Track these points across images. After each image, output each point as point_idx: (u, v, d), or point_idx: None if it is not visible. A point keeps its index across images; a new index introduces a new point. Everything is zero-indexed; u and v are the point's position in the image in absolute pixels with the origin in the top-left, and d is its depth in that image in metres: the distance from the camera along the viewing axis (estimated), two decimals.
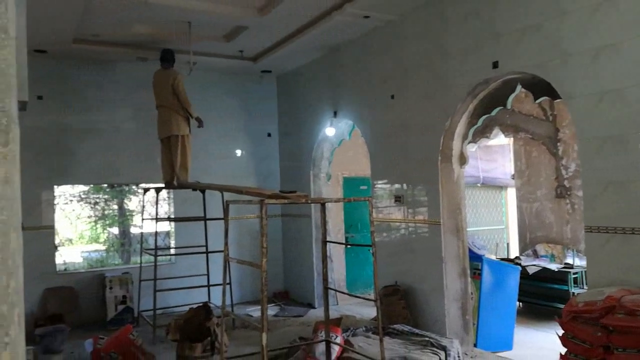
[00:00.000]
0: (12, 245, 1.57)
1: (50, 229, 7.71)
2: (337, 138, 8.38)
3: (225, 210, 4.01)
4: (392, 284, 6.58)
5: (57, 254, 8.01)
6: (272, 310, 8.32)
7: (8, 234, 1.56)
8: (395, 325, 5.79)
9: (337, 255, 9.10)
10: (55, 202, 8.06)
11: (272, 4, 6.17)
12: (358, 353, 4.51)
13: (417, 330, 5.71)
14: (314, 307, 8.47)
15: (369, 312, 7.84)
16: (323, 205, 4.13)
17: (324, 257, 4.39)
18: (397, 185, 6.73)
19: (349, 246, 9.17)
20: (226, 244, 4.15)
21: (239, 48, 7.79)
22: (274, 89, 9.64)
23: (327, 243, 4.43)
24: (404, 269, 6.58)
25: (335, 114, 7.86)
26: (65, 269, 8.47)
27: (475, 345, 6.05)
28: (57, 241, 8.20)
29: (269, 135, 9.58)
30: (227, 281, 4.21)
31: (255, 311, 8.16)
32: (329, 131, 8.07)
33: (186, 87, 7.10)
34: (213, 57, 7.99)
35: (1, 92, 1.57)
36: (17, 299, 1.60)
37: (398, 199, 6.68)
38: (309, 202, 3.99)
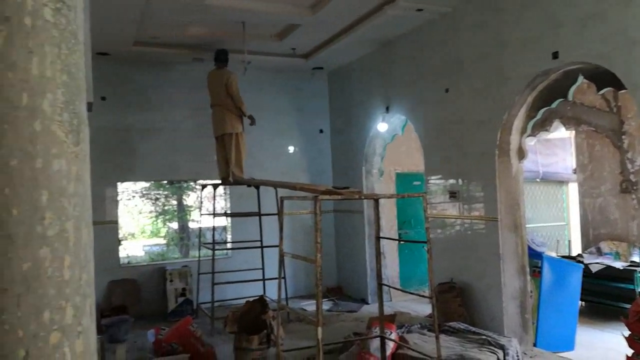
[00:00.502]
0: (84, 240, 1.67)
1: (114, 224, 8.08)
2: (390, 133, 8.32)
3: (280, 206, 4.08)
4: (448, 281, 6.48)
5: (120, 247, 8.40)
6: (325, 305, 8.38)
7: (80, 229, 1.66)
8: (451, 323, 5.71)
9: (391, 251, 9.05)
10: (119, 198, 8.44)
11: (325, 1, 6.19)
12: (413, 350, 4.48)
13: (473, 329, 5.61)
14: (367, 303, 8.47)
15: (423, 309, 7.76)
16: (376, 201, 4.12)
17: (378, 254, 4.38)
18: (452, 181, 6.62)
19: (402, 242, 9.09)
20: (281, 238, 4.22)
21: (291, 46, 7.87)
22: (326, 85, 9.68)
23: (381, 239, 4.41)
24: (459, 266, 6.47)
25: (387, 109, 7.81)
26: (128, 262, 8.87)
27: (534, 345, 5.87)
28: (120, 235, 8.59)
29: (321, 131, 9.64)
30: (282, 275, 4.28)
31: (308, 305, 8.24)
32: (381, 127, 8.02)
33: (240, 86, 7.25)
34: (266, 55, 8.11)
35: (72, 94, 1.67)
36: (89, 291, 1.70)
37: (453, 194, 6.56)
38: (363, 198, 4.00)
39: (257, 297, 5.86)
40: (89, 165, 1.72)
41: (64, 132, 1.59)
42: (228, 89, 7.10)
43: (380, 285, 4.38)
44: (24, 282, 1.48)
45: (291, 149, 9.41)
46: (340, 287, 9.37)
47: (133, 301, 7.70)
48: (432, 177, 7.02)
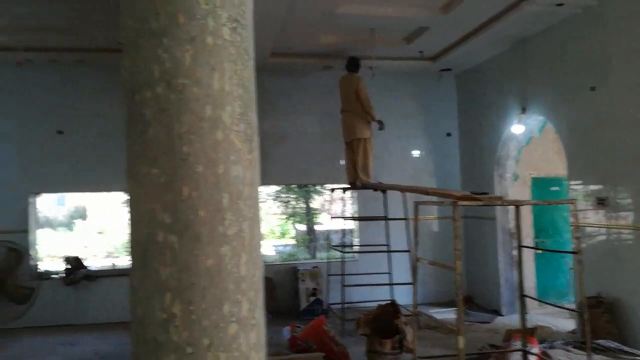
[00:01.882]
0: (256, 239, 1.80)
1: None
2: (525, 136, 7.86)
3: (415, 211, 4.05)
4: (594, 296, 5.94)
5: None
6: (455, 314, 8.12)
7: (254, 230, 1.80)
8: (599, 341, 5.24)
9: (527, 261, 8.45)
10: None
11: (456, 2, 6.04)
12: None
13: (626, 348, 5.10)
14: (500, 315, 8.07)
15: (564, 324, 7.21)
16: (518, 207, 3.91)
17: (520, 263, 4.16)
18: (599, 186, 6.06)
19: (539, 252, 8.51)
20: (416, 244, 4.19)
21: (419, 49, 7.79)
22: (453, 87, 9.42)
23: (521, 248, 4.18)
24: (607, 279, 5.90)
25: (523, 110, 7.38)
26: (263, 261, 9.37)
27: None
28: None
29: (449, 134, 9.39)
30: (414, 282, 4.24)
31: (437, 313, 8.05)
32: (516, 128, 7.60)
33: (368, 91, 7.32)
34: (393, 60, 8.12)
35: (246, 106, 1.82)
36: (260, 287, 1.83)
37: (601, 201, 6.01)
38: (505, 204, 3.82)
39: (388, 302, 5.86)
40: (259, 171, 1.86)
41: (240, 141, 1.73)
42: (357, 94, 7.21)
43: (522, 296, 4.15)
44: (208, 276, 1.63)
45: (417, 153, 9.28)
46: (470, 296, 9.01)
47: (268, 298, 8.03)
48: (576, 182, 6.49)
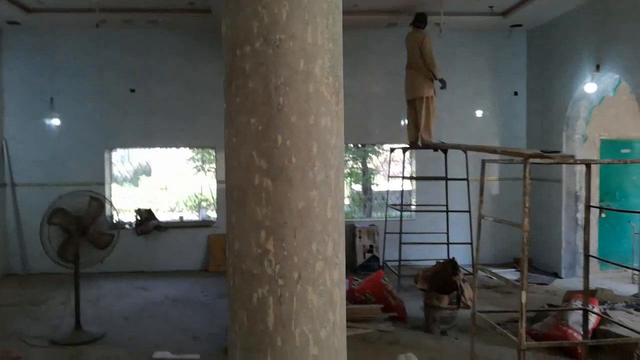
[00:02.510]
0: (340, 186, 1.93)
1: None
2: (598, 95, 7.53)
3: (482, 169, 4.06)
4: None
5: None
6: (512, 275, 8.12)
7: (338, 177, 1.92)
8: None
9: (591, 226, 8.30)
10: None
11: None
12: (622, 325, 4.17)
13: None
14: (560, 277, 8.00)
15: (626, 288, 7.10)
16: (589, 167, 3.85)
17: (587, 224, 4.12)
18: None
19: (603, 216, 8.29)
20: (481, 202, 4.22)
21: (489, 4, 7.52)
22: (524, 44, 9.06)
23: (590, 209, 4.12)
24: None
25: (597, 67, 7.05)
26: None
27: None
28: None
29: (516, 94, 9.11)
30: (476, 239, 4.29)
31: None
32: (589, 87, 7.29)
33: (434, 48, 7.19)
34: (462, 15, 7.89)
35: (335, 60, 1.92)
36: (343, 230, 1.97)
37: None
38: (577, 162, 3.77)
39: (448, 259, 5.95)
40: (343, 122, 1.97)
41: (329, 93, 1.85)
42: (421, 51, 7.12)
43: (587, 257, 4.13)
44: (298, 217, 1.80)
45: (479, 113, 9.09)
46: (529, 258, 8.92)
47: None
48: None
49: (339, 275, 1.89)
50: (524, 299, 3.39)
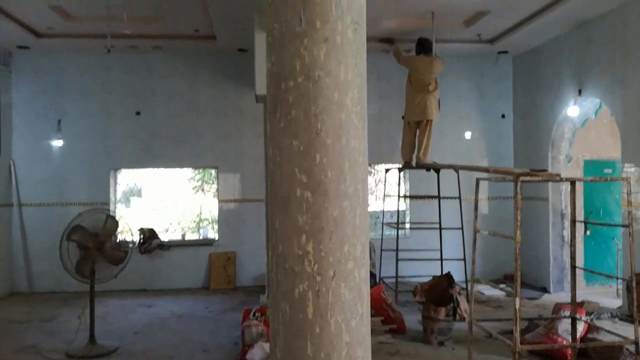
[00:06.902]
0: (366, 197, 2.27)
1: None
2: (581, 118, 8.01)
3: (476, 187, 4.42)
4: None
5: None
6: (502, 292, 8.44)
7: (365, 189, 2.26)
8: None
9: (576, 242, 8.70)
10: None
11: None
12: (608, 332, 4.51)
13: None
14: (548, 292, 8.34)
15: (611, 302, 7.44)
16: (573, 184, 4.23)
17: (572, 237, 4.48)
18: None
19: (588, 234, 8.68)
20: (476, 217, 4.57)
21: (477, 32, 8.00)
22: (510, 69, 9.56)
23: (575, 224, 4.49)
24: None
25: (579, 92, 7.53)
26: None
27: None
28: None
29: (503, 116, 9.58)
30: (472, 252, 4.63)
31: (486, 290, 8.38)
32: (572, 110, 7.76)
33: None
34: (451, 43, 8.34)
35: (361, 92, 2.28)
36: (368, 234, 2.30)
37: None
38: (563, 180, 4.14)
39: (444, 274, 6.28)
40: (367, 143, 2.31)
41: (358, 119, 2.21)
42: (437, 76, 7.47)
43: (573, 267, 4.48)
44: (333, 223, 2.13)
45: (468, 134, 9.52)
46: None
47: None
48: (629, 165, 6.65)
49: (365, 274, 2.21)
50: (517, 305, 3.72)
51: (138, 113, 8.83)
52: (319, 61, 2.06)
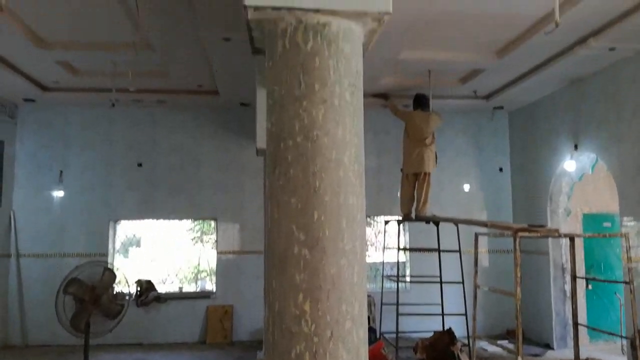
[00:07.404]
0: (364, 254, 2.27)
1: None
2: (578, 172, 8.08)
3: (475, 242, 4.42)
4: None
5: None
6: (507, 345, 8.26)
7: (362, 247, 2.27)
8: None
9: (578, 297, 8.54)
10: None
11: (511, 47, 6.46)
12: None
13: None
14: (551, 348, 8.15)
15: (616, 359, 7.28)
16: (572, 240, 4.22)
17: (574, 293, 4.44)
18: None
19: (590, 288, 8.57)
20: (476, 272, 4.54)
21: (473, 89, 8.21)
22: (506, 124, 9.74)
23: (576, 279, 4.45)
24: None
25: (576, 147, 7.64)
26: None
27: None
28: None
29: (501, 170, 9.67)
30: (471, 310, 4.57)
31: (488, 346, 8.19)
32: (569, 165, 7.85)
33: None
34: (447, 99, 8.54)
35: (359, 151, 2.32)
36: (366, 292, 2.28)
37: None
38: (562, 236, 4.15)
39: (445, 330, 6.16)
40: (364, 199, 2.34)
41: (355, 177, 2.25)
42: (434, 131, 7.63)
43: (575, 324, 4.41)
44: (331, 281, 2.13)
45: (467, 187, 9.58)
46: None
47: None
48: (628, 219, 6.66)
49: (363, 334, 2.19)
50: None
51: (140, 165, 8.93)
52: (317, 122, 2.12)
